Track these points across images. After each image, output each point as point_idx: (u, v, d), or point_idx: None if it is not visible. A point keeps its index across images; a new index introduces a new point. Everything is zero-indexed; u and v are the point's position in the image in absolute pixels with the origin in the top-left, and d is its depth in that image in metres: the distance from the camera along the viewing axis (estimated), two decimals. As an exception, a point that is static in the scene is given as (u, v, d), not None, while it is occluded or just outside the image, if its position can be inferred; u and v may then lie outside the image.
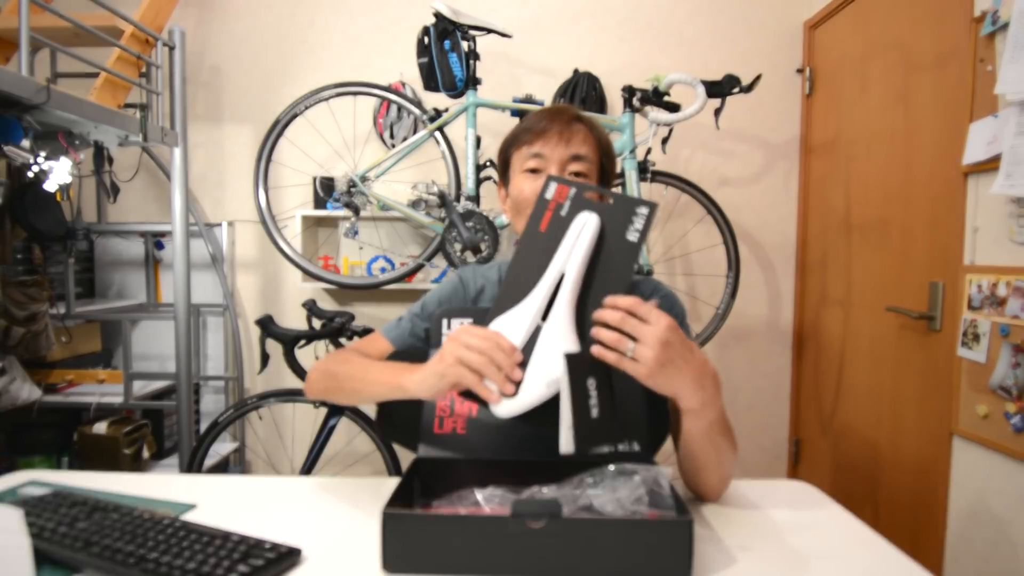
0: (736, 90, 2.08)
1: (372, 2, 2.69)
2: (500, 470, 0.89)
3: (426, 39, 2.16)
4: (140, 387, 2.52)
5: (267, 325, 2.11)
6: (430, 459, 0.93)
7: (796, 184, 2.71)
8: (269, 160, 2.37)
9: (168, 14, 2.34)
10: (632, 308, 0.80)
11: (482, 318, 0.91)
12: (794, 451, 2.74)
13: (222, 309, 2.75)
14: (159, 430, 2.61)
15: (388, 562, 0.75)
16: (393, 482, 0.87)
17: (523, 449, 0.92)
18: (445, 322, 1.05)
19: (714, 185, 2.64)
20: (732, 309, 2.36)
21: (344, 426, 2.17)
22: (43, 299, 2.24)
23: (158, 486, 1.04)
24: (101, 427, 2.41)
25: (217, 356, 2.79)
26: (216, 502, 0.98)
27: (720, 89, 2.09)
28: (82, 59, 1.82)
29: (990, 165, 1.55)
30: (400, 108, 2.59)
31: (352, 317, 2.16)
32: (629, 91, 2.15)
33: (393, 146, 2.60)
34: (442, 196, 2.16)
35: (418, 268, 2.37)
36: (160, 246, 2.78)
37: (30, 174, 1.88)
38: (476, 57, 2.18)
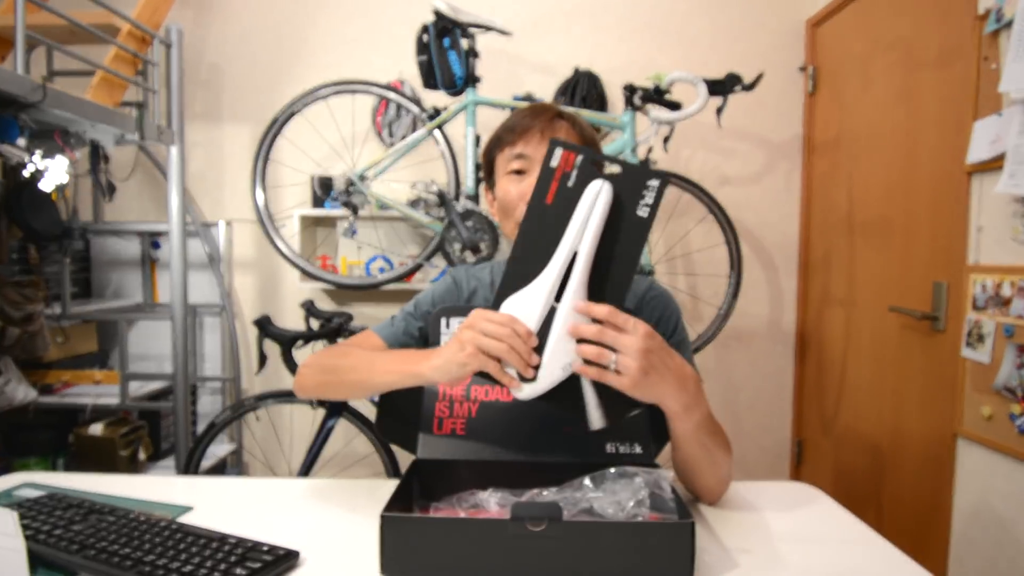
0: (738, 88, 2.07)
1: (371, 1, 2.68)
2: (500, 471, 0.89)
3: (425, 37, 2.16)
4: (136, 388, 2.50)
5: (265, 325, 2.10)
6: (429, 460, 0.92)
7: (798, 183, 2.70)
8: (267, 159, 2.36)
9: (165, 12, 2.33)
10: (608, 318, 0.79)
11: None
12: (796, 452, 2.73)
13: (219, 309, 2.74)
14: (156, 431, 2.60)
15: (386, 566, 0.74)
16: (392, 484, 0.86)
17: (523, 450, 0.92)
18: (444, 320, 1.05)
19: (716, 184, 2.63)
20: (734, 309, 2.36)
21: (342, 428, 2.15)
22: (39, 299, 2.23)
23: (154, 488, 1.03)
24: (97, 428, 2.40)
25: (214, 357, 2.78)
26: (213, 504, 0.97)
27: (722, 87, 2.08)
28: (78, 57, 1.81)
29: (994, 164, 1.54)
30: (399, 106, 2.58)
31: (350, 317, 2.14)
32: (630, 89, 2.15)
33: (392, 145, 2.59)
34: (441, 195, 2.15)
35: (417, 268, 2.36)
36: (157, 246, 2.77)
37: (26, 173, 1.87)
38: (475, 55, 2.17)
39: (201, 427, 2.25)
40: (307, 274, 2.38)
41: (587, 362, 0.80)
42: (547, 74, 2.65)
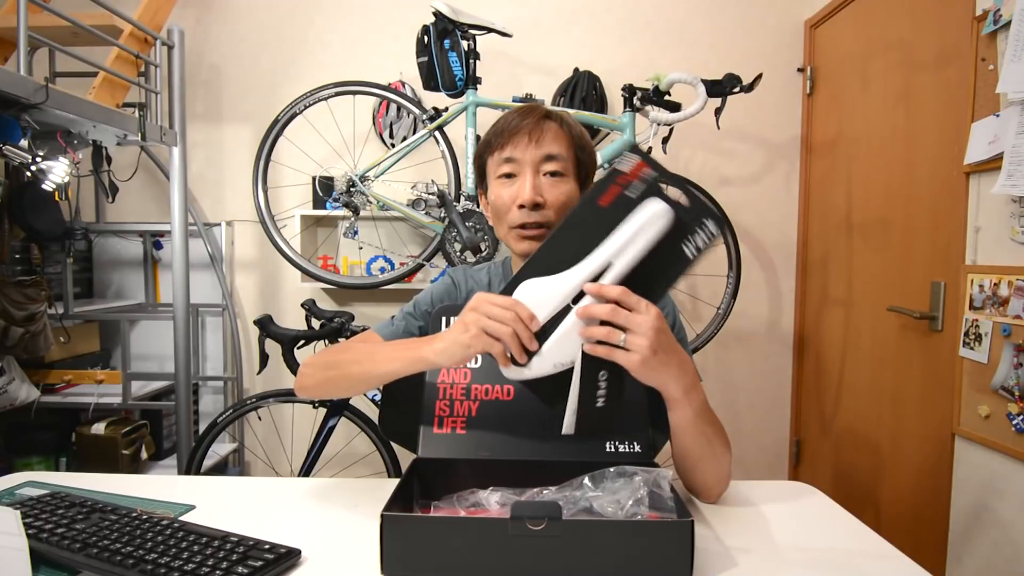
0: (737, 89, 2.07)
1: (372, 1, 2.69)
2: (500, 470, 0.89)
3: (426, 38, 2.16)
4: (138, 387, 2.51)
5: (266, 325, 2.11)
6: (429, 459, 0.93)
7: (797, 184, 2.71)
8: (268, 160, 2.37)
9: (167, 13, 2.33)
10: (620, 298, 0.79)
11: None
12: (795, 452, 2.73)
13: (221, 309, 2.75)
14: (158, 431, 2.61)
15: (387, 565, 0.74)
16: (392, 483, 0.86)
17: (523, 449, 0.92)
18: (444, 319, 1.05)
19: (715, 185, 2.64)
20: (733, 309, 2.36)
21: (343, 427, 2.16)
22: (41, 299, 2.23)
23: (157, 487, 1.04)
24: (99, 428, 2.41)
25: (216, 356, 2.79)
26: (215, 503, 0.98)
27: (721, 88, 2.08)
28: (81, 58, 1.82)
29: (992, 164, 1.55)
30: (400, 107, 2.59)
31: (351, 317, 2.15)
32: (630, 90, 2.15)
33: (392, 146, 2.60)
34: (442, 196, 2.16)
35: (418, 268, 2.37)
36: (159, 246, 2.78)
37: (28, 174, 1.87)
38: (476, 56, 2.18)
39: (203, 426, 2.26)
40: (308, 274, 2.39)
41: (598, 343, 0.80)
42: (547, 75, 2.66)
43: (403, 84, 2.61)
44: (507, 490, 0.82)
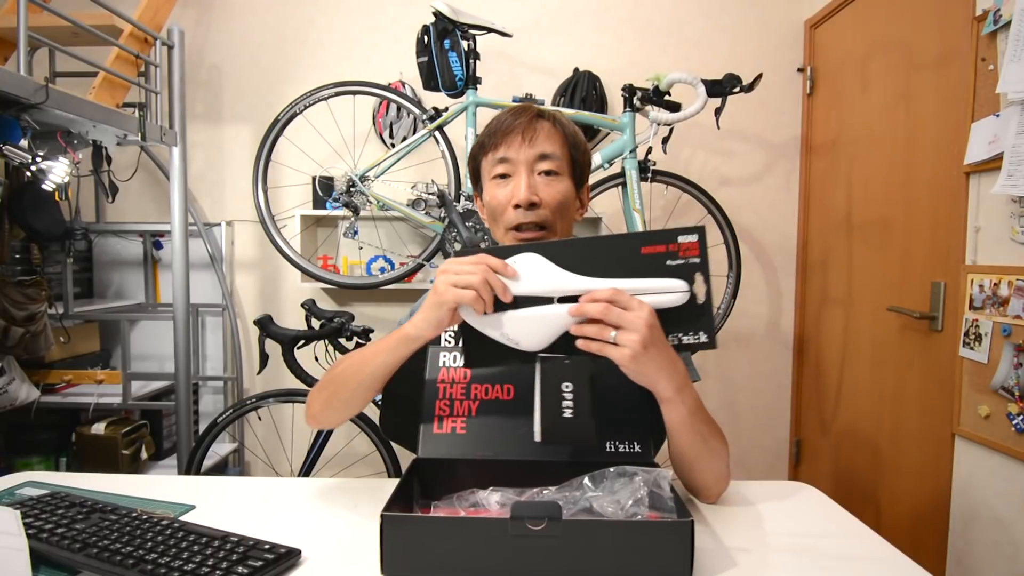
0: (737, 89, 2.07)
1: (372, 1, 2.69)
2: (500, 470, 0.89)
3: (426, 38, 2.16)
4: (139, 387, 2.51)
5: (266, 325, 2.11)
6: (429, 459, 0.93)
7: (797, 184, 2.71)
8: (268, 160, 2.37)
9: (167, 13, 2.33)
10: (613, 298, 0.82)
11: None
12: (795, 452, 2.73)
13: (221, 309, 2.75)
14: (158, 431, 2.61)
15: (387, 565, 0.74)
16: (392, 483, 0.86)
17: (523, 449, 0.92)
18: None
19: (715, 185, 2.63)
20: (733, 309, 2.36)
21: (343, 427, 2.15)
22: (41, 299, 2.23)
23: (157, 487, 1.04)
24: (99, 428, 2.41)
25: (216, 356, 2.79)
26: (215, 503, 0.98)
27: (721, 88, 2.08)
28: (81, 58, 1.82)
29: (992, 165, 1.55)
30: (400, 107, 2.59)
31: (351, 317, 2.15)
32: (630, 90, 2.15)
33: (392, 146, 2.60)
34: (442, 196, 2.16)
35: (418, 268, 2.37)
36: (159, 246, 2.78)
37: (28, 174, 1.87)
38: (476, 56, 2.18)
39: (203, 426, 2.26)
40: (308, 274, 2.39)
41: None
42: (547, 75, 2.66)
43: (403, 84, 2.61)
44: (507, 490, 0.82)
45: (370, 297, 2.74)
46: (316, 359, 2.15)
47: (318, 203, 2.61)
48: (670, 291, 0.84)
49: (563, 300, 0.85)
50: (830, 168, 2.48)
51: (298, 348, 2.11)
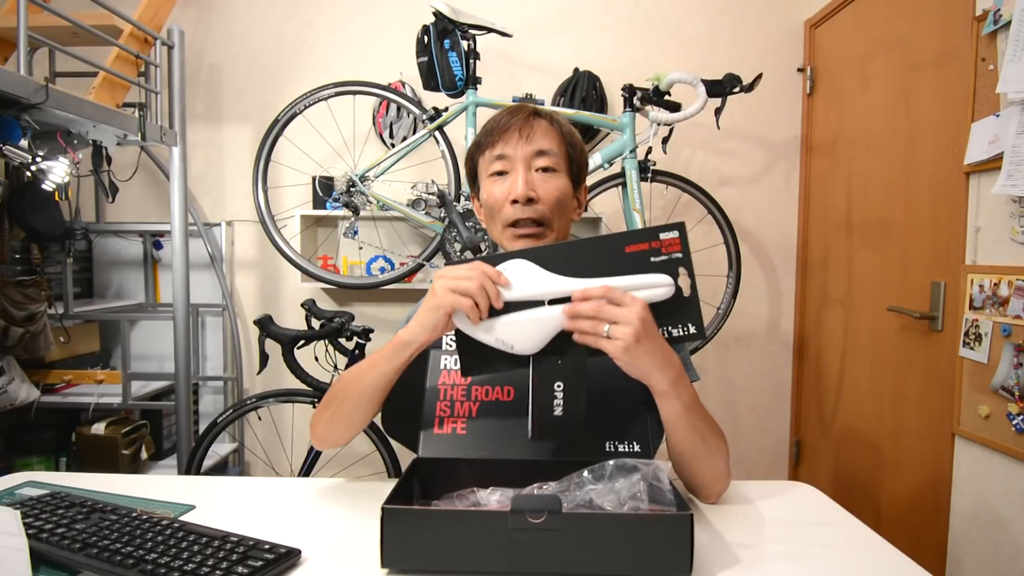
0: (737, 89, 2.07)
1: (372, 1, 2.69)
2: (500, 470, 0.89)
3: (426, 38, 2.16)
4: (138, 387, 2.51)
5: (266, 325, 2.11)
6: (430, 459, 0.93)
7: (797, 184, 2.71)
8: (268, 160, 2.37)
9: (167, 13, 2.33)
10: (606, 294, 0.84)
11: None
12: (795, 452, 2.73)
13: (221, 309, 2.75)
14: (158, 431, 2.61)
15: (387, 559, 0.75)
16: (393, 483, 0.86)
17: (523, 449, 0.92)
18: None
19: (715, 185, 2.64)
20: (733, 309, 2.36)
21: (343, 426, 2.16)
22: (41, 299, 2.24)
23: (157, 487, 1.03)
24: (99, 428, 2.41)
25: (216, 356, 2.79)
26: (215, 503, 0.98)
27: (721, 88, 2.08)
28: (81, 58, 1.82)
29: (992, 164, 1.55)
30: (400, 107, 2.59)
31: (352, 317, 2.15)
32: (630, 90, 2.15)
33: (392, 146, 2.60)
34: (442, 196, 2.16)
35: (418, 268, 2.37)
36: (159, 246, 2.78)
37: (28, 174, 1.87)
38: (476, 56, 2.18)
39: (203, 426, 2.26)
40: (308, 274, 2.39)
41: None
42: (547, 75, 2.66)
43: (403, 84, 2.61)
44: (507, 490, 0.82)
45: (370, 297, 2.74)
46: (316, 359, 2.15)
47: (318, 203, 2.61)
48: (656, 286, 0.86)
49: (554, 302, 0.86)
50: (830, 168, 2.48)
51: (298, 348, 2.11)
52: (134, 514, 0.85)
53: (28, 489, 1.00)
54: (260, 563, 0.73)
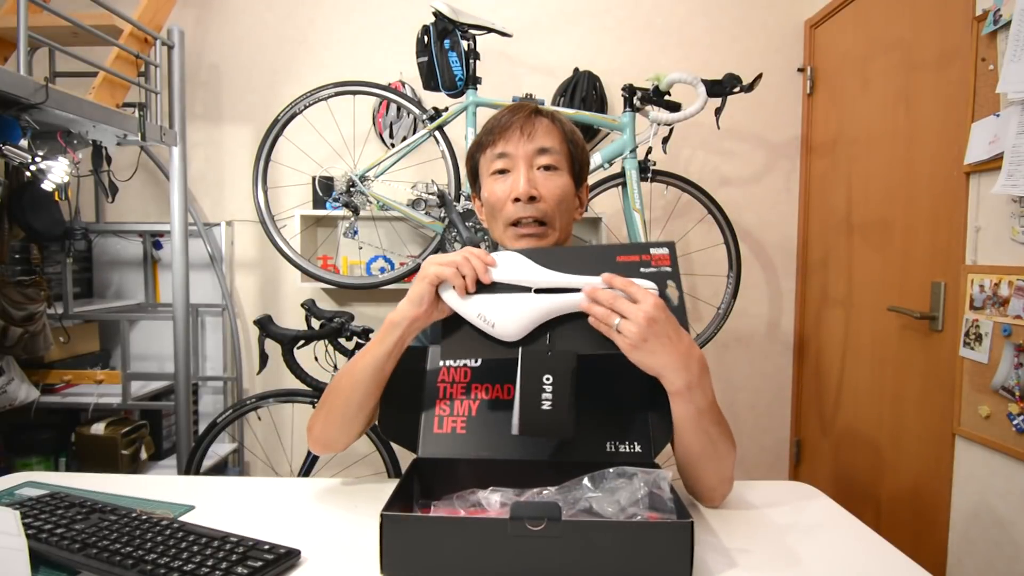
0: (737, 89, 2.07)
1: (372, 1, 2.69)
2: (500, 470, 0.89)
3: (426, 38, 2.16)
4: (138, 387, 2.51)
5: (266, 325, 2.10)
6: (429, 459, 0.93)
7: (797, 184, 2.71)
8: (268, 159, 2.36)
9: (167, 13, 2.33)
10: (624, 288, 0.86)
11: None
12: (795, 452, 2.73)
13: (221, 309, 2.75)
14: (157, 431, 2.61)
15: (386, 565, 0.74)
16: (393, 483, 0.86)
17: (523, 449, 0.92)
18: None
19: (715, 185, 2.64)
20: (733, 309, 2.36)
21: (343, 426, 2.16)
22: (41, 299, 2.23)
23: (156, 487, 1.03)
24: (99, 428, 2.41)
25: (216, 356, 2.79)
26: (214, 503, 0.98)
27: (721, 88, 2.08)
28: (80, 58, 1.82)
29: (992, 164, 1.55)
30: (400, 107, 2.59)
31: (351, 317, 2.15)
32: (630, 90, 2.15)
33: (392, 145, 2.60)
34: (442, 196, 2.15)
35: (417, 268, 2.36)
36: (158, 246, 2.78)
37: (28, 174, 1.87)
38: (476, 56, 2.18)
39: (202, 426, 2.26)
40: (308, 274, 2.39)
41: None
42: (547, 75, 2.66)
43: (403, 84, 2.61)
44: (507, 490, 0.82)
45: (370, 297, 2.74)
46: (316, 359, 2.15)
47: (318, 203, 2.61)
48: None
49: (540, 293, 0.89)
50: (830, 168, 2.48)
51: (298, 348, 2.11)
52: (134, 514, 0.84)
53: (28, 489, 1.00)
54: (260, 563, 0.73)
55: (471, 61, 2.16)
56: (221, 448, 2.65)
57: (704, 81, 2.05)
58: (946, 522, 1.72)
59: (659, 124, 2.13)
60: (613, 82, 2.55)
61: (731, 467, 0.96)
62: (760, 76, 2.08)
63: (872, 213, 2.18)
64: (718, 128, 2.18)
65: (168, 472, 2.50)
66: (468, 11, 2.16)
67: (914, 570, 0.78)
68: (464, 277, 0.89)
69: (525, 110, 1.07)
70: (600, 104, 2.57)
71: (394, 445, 2.02)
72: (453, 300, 0.90)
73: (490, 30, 2.19)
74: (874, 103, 2.17)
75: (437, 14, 2.12)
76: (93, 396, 2.40)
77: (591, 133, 2.60)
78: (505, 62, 2.64)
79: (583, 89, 2.54)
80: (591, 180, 2.03)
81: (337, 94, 2.31)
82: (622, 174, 2.17)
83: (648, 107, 2.15)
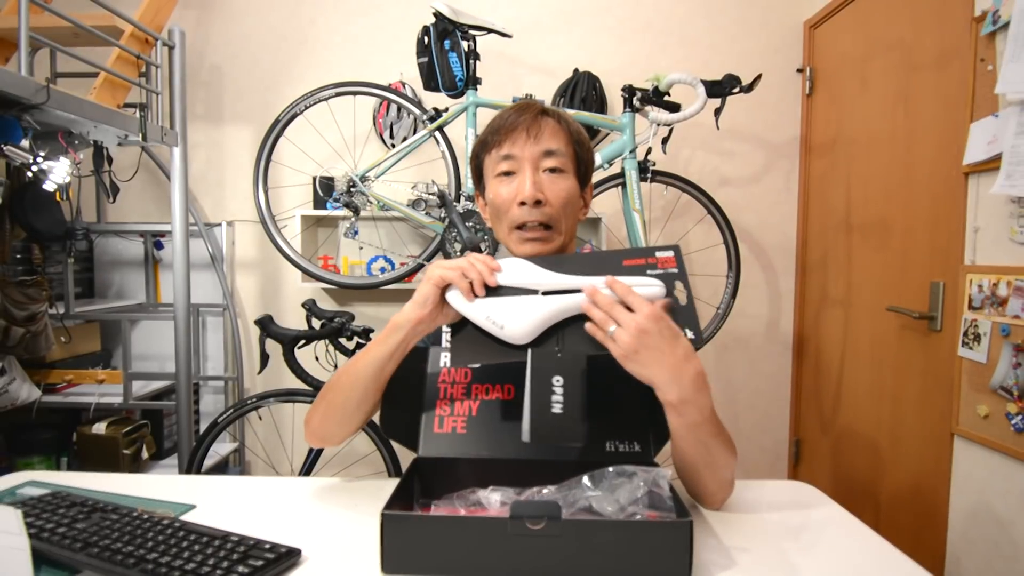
0: (736, 90, 2.07)
1: (372, 1, 2.69)
2: (500, 470, 0.89)
3: (426, 39, 2.16)
4: (139, 387, 2.51)
5: (267, 325, 2.11)
6: (430, 459, 0.93)
7: (796, 184, 2.71)
8: (269, 160, 2.37)
9: (168, 14, 2.33)
10: (624, 295, 0.86)
11: None
12: (794, 451, 2.73)
13: (222, 309, 2.75)
14: (158, 430, 2.61)
15: (387, 564, 0.75)
16: (393, 483, 0.87)
17: (523, 449, 0.92)
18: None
19: (714, 185, 2.64)
20: (732, 309, 2.36)
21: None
22: (42, 299, 2.24)
23: (157, 486, 1.04)
24: (100, 427, 2.41)
25: (216, 356, 2.79)
26: (215, 502, 0.98)
27: (720, 89, 2.08)
28: (81, 59, 1.82)
29: (991, 165, 1.55)
30: (400, 108, 2.59)
31: (352, 317, 2.15)
32: (629, 91, 2.15)
33: (393, 146, 2.60)
34: (442, 196, 2.16)
35: (418, 268, 2.37)
36: (159, 246, 2.78)
37: (29, 174, 1.87)
38: (476, 57, 2.18)
39: (203, 426, 2.26)
40: (309, 274, 2.39)
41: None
42: (547, 75, 2.66)
43: (403, 84, 2.61)
44: (507, 489, 0.83)
45: (370, 297, 2.74)
46: (316, 359, 2.15)
47: (318, 203, 2.61)
48: (646, 286, 0.89)
49: (547, 295, 0.90)
50: (830, 168, 2.48)
51: (298, 348, 2.12)
52: (135, 514, 0.85)
53: (29, 489, 1.00)
54: (260, 563, 0.74)
55: (471, 61, 2.17)
56: (222, 448, 2.65)
57: (704, 81, 2.06)
58: (945, 522, 1.72)
59: (659, 124, 2.13)
60: (613, 82, 2.55)
61: (731, 473, 0.95)
62: (759, 77, 2.09)
63: (871, 213, 2.18)
64: (718, 128, 2.18)
65: (169, 471, 2.50)
66: (468, 11, 2.17)
67: (913, 569, 0.79)
68: (470, 281, 0.89)
69: (531, 111, 1.06)
70: (600, 104, 2.57)
71: (395, 444, 2.03)
72: (460, 303, 0.91)
73: (490, 31, 2.19)
74: (873, 103, 2.17)
75: (437, 15, 2.12)
76: (94, 396, 2.41)
77: (591, 133, 2.60)
78: (505, 62, 2.64)
79: (583, 89, 2.54)
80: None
81: (338, 94, 2.31)
82: (622, 174, 2.17)
83: (648, 107, 2.16)
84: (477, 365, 0.99)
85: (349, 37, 2.71)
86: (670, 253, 0.93)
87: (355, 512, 0.95)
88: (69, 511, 0.85)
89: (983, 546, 1.60)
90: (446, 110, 2.23)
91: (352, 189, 2.25)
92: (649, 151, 2.19)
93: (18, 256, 2.38)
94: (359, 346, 2.14)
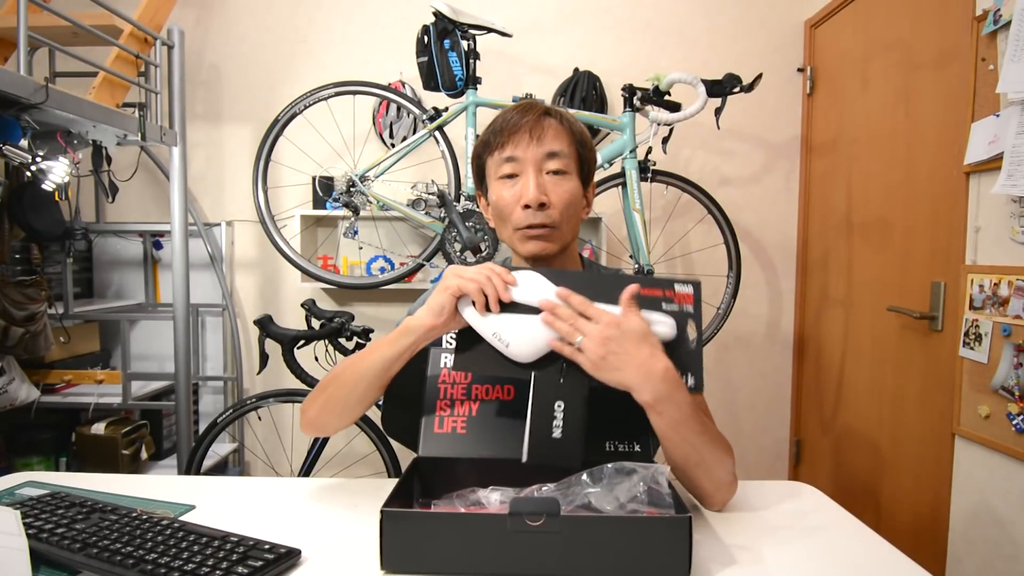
0: (737, 89, 2.07)
1: (372, 1, 2.69)
2: (500, 470, 0.89)
3: (426, 38, 2.16)
4: (138, 387, 2.51)
5: (266, 325, 2.11)
6: (430, 459, 0.93)
7: (797, 184, 2.71)
8: (268, 160, 2.37)
9: (167, 13, 2.33)
10: (579, 307, 0.87)
11: None
12: (795, 451, 2.73)
13: (221, 309, 2.75)
14: (157, 431, 2.61)
15: (387, 561, 0.75)
16: (393, 482, 0.86)
17: (523, 448, 0.92)
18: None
19: (715, 185, 2.64)
20: (733, 309, 2.36)
21: (343, 426, 2.16)
22: (41, 299, 2.24)
23: (156, 487, 1.04)
24: (99, 428, 2.41)
25: (216, 356, 2.79)
26: (215, 503, 0.98)
27: (721, 88, 2.08)
28: (80, 58, 1.82)
29: (992, 164, 1.55)
30: (400, 107, 2.59)
31: (351, 317, 2.15)
32: (630, 90, 2.15)
33: (393, 145, 2.60)
34: (442, 196, 2.16)
35: (418, 268, 2.37)
36: (159, 246, 2.78)
37: (28, 174, 1.87)
38: (476, 56, 2.18)
39: (203, 426, 2.26)
40: (308, 274, 2.39)
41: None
42: (547, 75, 2.66)
43: (403, 84, 2.61)
44: (507, 489, 0.82)
45: (370, 297, 2.74)
46: (316, 359, 2.15)
47: (318, 203, 2.61)
48: (657, 322, 0.89)
49: None
50: (830, 168, 2.48)
51: (298, 348, 2.11)
52: (134, 514, 0.85)
53: (28, 489, 1.00)
54: (260, 563, 0.73)
55: (471, 61, 2.17)
56: (221, 448, 2.65)
57: (704, 81, 2.05)
58: (946, 522, 1.72)
59: (659, 124, 2.13)
60: (613, 82, 2.55)
61: (728, 473, 0.94)
62: (760, 76, 2.09)
63: (872, 213, 2.18)
64: (718, 128, 2.18)
65: (168, 472, 2.50)
66: (468, 11, 2.16)
67: (913, 570, 0.78)
68: (486, 295, 0.89)
69: (534, 111, 1.05)
70: (600, 104, 2.57)
71: (395, 445, 2.03)
72: (471, 316, 0.91)
73: (490, 30, 2.19)
74: (874, 103, 2.17)
75: (437, 14, 2.12)
76: (93, 396, 2.40)
77: (591, 133, 2.60)
78: (505, 62, 2.64)
79: (583, 89, 2.54)
80: (591, 180, 2.05)
81: (337, 94, 2.31)
82: (622, 174, 2.17)
83: (648, 107, 2.15)
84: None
85: (348, 36, 2.71)
86: (689, 289, 0.91)
87: (355, 512, 0.95)
88: (68, 511, 0.85)
89: (984, 546, 1.60)
90: (446, 110, 2.23)
91: (352, 189, 2.24)
92: (649, 151, 2.19)
93: (17, 256, 2.37)
94: (359, 346, 2.14)
